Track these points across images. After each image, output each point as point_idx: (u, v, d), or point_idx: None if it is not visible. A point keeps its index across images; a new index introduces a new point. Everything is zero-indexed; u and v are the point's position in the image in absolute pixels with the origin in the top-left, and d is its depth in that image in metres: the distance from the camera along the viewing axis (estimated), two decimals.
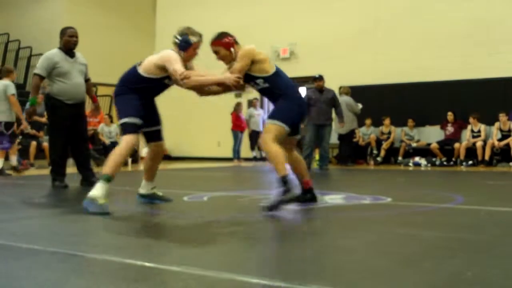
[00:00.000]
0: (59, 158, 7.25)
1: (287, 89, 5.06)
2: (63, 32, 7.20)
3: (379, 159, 14.11)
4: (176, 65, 4.95)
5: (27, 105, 7.60)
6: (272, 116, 4.97)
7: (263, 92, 5.23)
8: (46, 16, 17.03)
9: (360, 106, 13.71)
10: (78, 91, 7.15)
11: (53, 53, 7.12)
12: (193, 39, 5.44)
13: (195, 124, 16.65)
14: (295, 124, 5.07)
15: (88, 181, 7.20)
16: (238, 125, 15.77)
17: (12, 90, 9.80)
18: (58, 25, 17.65)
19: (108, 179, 4.67)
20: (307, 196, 5.25)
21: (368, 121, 14.59)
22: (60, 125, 7.16)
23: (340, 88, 14.00)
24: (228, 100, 15.95)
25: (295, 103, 5.03)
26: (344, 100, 13.19)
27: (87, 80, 7.38)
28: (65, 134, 7.16)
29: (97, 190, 4.62)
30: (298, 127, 5.18)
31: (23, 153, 12.88)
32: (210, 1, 17.66)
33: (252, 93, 16.68)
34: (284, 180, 4.65)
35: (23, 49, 17.57)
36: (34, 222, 4.45)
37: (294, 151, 5.25)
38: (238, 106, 15.83)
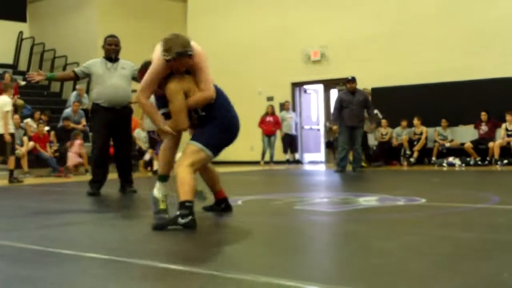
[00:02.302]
0: (95, 163, 7.20)
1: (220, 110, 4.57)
2: (104, 40, 7.32)
3: (412, 160, 14.00)
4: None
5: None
6: (199, 139, 4.46)
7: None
8: (81, 25, 17.34)
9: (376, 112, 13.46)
10: (115, 93, 7.03)
11: (94, 60, 7.29)
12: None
13: None
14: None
15: (124, 190, 7.19)
16: (263, 128, 15.84)
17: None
18: (92, 34, 18.09)
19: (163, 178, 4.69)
20: (222, 206, 5.01)
21: (404, 123, 14.44)
22: (98, 129, 7.13)
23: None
24: (261, 104, 16.06)
25: (227, 129, 4.59)
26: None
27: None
28: (103, 139, 7.09)
29: (156, 190, 4.69)
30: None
31: (61, 160, 13.13)
32: (240, 7, 17.74)
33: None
34: (182, 205, 4.17)
35: (58, 58, 17.89)
36: (74, 228, 4.56)
37: (210, 164, 4.95)
38: (268, 109, 15.79)
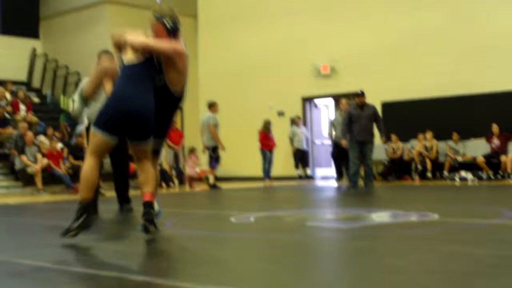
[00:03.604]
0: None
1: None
2: (98, 56, 7.03)
3: (428, 174, 13.97)
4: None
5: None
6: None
7: None
8: (93, 42, 17.49)
9: None
10: None
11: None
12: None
13: (238, 144, 16.75)
14: (119, 125, 4.35)
15: (122, 208, 7.08)
16: (266, 144, 15.25)
17: (213, 121, 12.54)
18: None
19: None
20: (144, 209, 4.41)
21: (420, 136, 14.37)
22: None
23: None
24: (272, 119, 16.00)
25: (110, 99, 4.43)
26: None
27: None
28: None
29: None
30: (135, 130, 4.40)
31: (75, 177, 13.19)
32: (250, 21, 17.86)
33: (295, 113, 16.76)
34: (80, 205, 4.14)
35: (71, 74, 18.08)
36: (86, 247, 4.58)
37: (145, 162, 4.51)
38: (266, 124, 15.12)
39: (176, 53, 4.59)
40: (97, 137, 4.30)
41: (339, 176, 13.64)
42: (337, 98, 16.44)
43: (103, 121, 4.30)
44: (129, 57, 4.56)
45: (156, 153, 4.74)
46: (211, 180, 13.13)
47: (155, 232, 4.31)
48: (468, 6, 14.47)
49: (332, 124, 13.84)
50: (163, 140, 4.88)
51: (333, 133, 13.66)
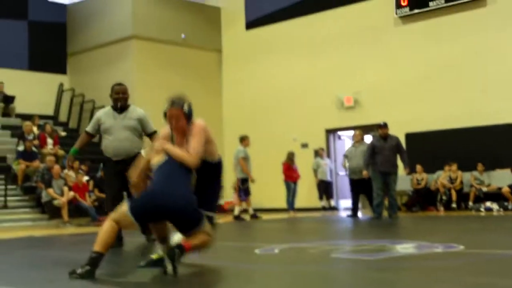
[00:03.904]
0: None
1: None
2: (111, 89, 7.14)
3: (453, 205, 13.86)
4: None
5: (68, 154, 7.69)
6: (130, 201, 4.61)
7: None
8: (118, 76, 17.67)
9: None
10: (121, 146, 6.96)
11: (103, 110, 7.22)
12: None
13: (263, 176, 16.75)
14: (152, 218, 4.56)
15: (119, 243, 6.87)
16: (289, 175, 15.22)
17: (242, 154, 13.07)
18: (129, 84, 18.24)
19: None
20: (173, 250, 4.45)
21: (447, 167, 14.30)
22: (108, 181, 7.17)
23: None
24: (296, 151, 15.99)
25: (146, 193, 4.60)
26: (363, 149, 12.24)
27: (151, 134, 7.14)
28: (113, 191, 6.99)
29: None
30: (176, 223, 4.56)
31: (100, 209, 13.34)
32: (274, 55, 18.06)
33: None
34: (91, 256, 4.35)
35: (97, 108, 18.33)
36: (111, 279, 4.63)
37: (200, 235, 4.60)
38: (290, 156, 15.07)
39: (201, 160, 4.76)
40: (129, 219, 4.44)
41: (354, 211, 12.51)
42: (361, 129, 16.44)
43: (137, 212, 4.42)
44: (157, 159, 4.72)
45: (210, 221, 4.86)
46: (236, 211, 13.37)
47: (172, 274, 4.32)
48: (489, 38, 14.49)
49: (346, 156, 13.12)
50: (215, 211, 5.11)
51: (347, 164, 12.88)
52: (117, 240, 6.67)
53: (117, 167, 6.92)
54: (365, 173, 11.54)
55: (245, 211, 13.72)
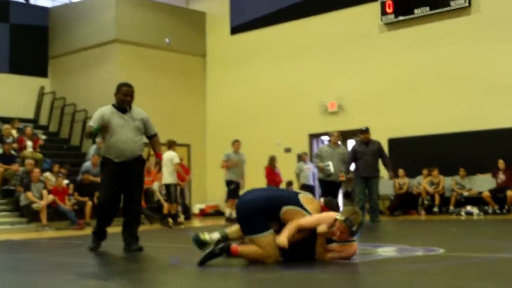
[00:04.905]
0: (100, 217, 6.89)
1: None
2: (118, 89, 6.81)
3: (435, 209, 13.93)
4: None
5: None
6: None
7: None
8: (101, 80, 17.65)
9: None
10: (126, 148, 6.68)
11: (105, 108, 6.81)
12: None
13: (247, 181, 16.69)
14: None
15: (129, 248, 6.66)
16: (272, 180, 15.23)
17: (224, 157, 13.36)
18: (111, 88, 18.14)
19: None
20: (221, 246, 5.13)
21: (425, 171, 14.40)
22: (106, 182, 6.78)
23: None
24: (279, 156, 15.95)
25: None
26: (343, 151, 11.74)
27: (152, 136, 7.01)
28: (111, 193, 6.70)
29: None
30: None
31: (80, 212, 13.23)
32: (258, 61, 18.05)
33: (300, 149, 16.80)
34: None
35: (78, 112, 18.20)
36: (91, 283, 4.56)
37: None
38: (272, 160, 15.21)
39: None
40: None
41: None
42: (344, 134, 16.47)
43: None
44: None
45: None
46: (227, 213, 13.48)
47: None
48: (473, 46, 14.58)
49: (318, 156, 11.72)
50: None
51: (326, 165, 11.92)
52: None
53: (118, 169, 6.67)
54: (341, 176, 11.32)
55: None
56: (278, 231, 5.07)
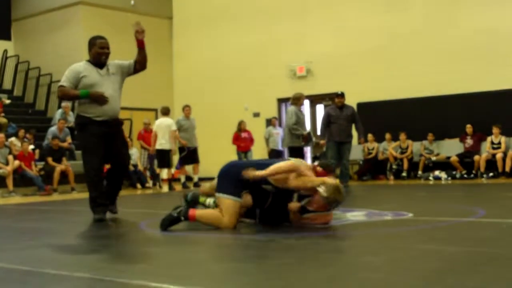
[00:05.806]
0: (94, 185, 6.15)
1: None
2: (93, 43, 6.25)
3: (404, 174, 14.07)
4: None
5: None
6: None
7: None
8: (65, 43, 17.29)
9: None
10: (109, 105, 6.11)
11: (79, 64, 6.22)
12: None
13: (215, 146, 16.66)
14: None
15: (108, 210, 6.30)
16: (238, 145, 15.29)
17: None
18: (77, 51, 18.00)
19: None
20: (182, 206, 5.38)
21: (388, 136, 14.57)
22: (92, 146, 6.10)
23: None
24: (248, 120, 15.92)
25: None
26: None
27: (136, 62, 6.67)
28: (98, 156, 6.11)
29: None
30: None
31: (47, 178, 13.05)
32: (226, 24, 17.83)
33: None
34: None
35: (43, 76, 17.84)
36: (59, 248, 4.52)
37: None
38: (238, 125, 15.35)
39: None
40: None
41: None
42: (313, 99, 16.48)
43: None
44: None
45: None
46: (183, 179, 13.69)
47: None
48: (441, 7, 14.61)
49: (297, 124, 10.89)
50: None
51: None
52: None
53: (101, 129, 6.08)
54: (322, 142, 11.36)
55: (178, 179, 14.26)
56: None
